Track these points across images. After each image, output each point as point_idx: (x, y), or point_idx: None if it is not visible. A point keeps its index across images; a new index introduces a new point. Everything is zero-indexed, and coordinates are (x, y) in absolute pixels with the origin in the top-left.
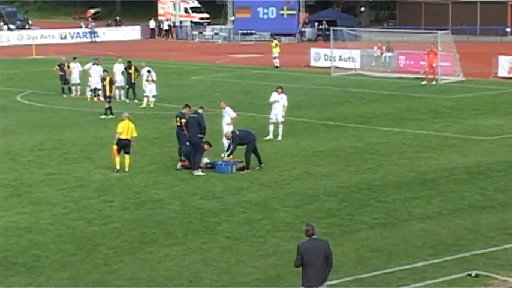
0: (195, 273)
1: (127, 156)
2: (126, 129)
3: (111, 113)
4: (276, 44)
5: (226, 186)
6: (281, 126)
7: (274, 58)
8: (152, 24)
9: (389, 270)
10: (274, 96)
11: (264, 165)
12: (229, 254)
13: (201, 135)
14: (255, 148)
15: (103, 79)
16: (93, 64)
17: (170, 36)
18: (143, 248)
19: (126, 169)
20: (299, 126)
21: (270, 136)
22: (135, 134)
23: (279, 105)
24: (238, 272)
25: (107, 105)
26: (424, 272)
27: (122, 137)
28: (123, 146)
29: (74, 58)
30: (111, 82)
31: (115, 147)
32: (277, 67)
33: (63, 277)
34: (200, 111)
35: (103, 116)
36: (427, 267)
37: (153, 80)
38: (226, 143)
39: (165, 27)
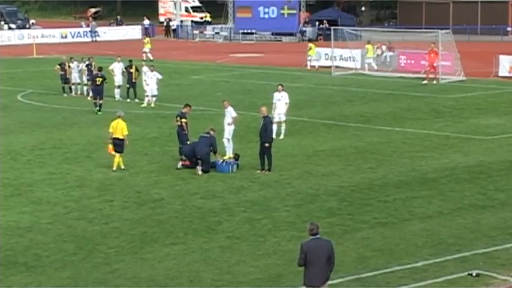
0: (196, 273)
1: (117, 155)
2: (115, 127)
3: (96, 109)
4: (148, 41)
5: (227, 186)
6: (284, 125)
7: (145, 53)
8: (147, 22)
9: (390, 269)
10: (276, 96)
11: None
12: (230, 254)
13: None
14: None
15: (95, 76)
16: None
17: (169, 35)
18: (144, 248)
19: (114, 168)
20: (300, 126)
21: (273, 135)
22: (125, 133)
23: (280, 103)
24: (238, 272)
25: (95, 101)
26: (424, 272)
27: (114, 136)
28: (115, 145)
29: (71, 58)
30: (102, 82)
31: (110, 146)
32: (151, 60)
33: (64, 276)
34: (212, 132)
35: (100, 113)
36: (427, 266)
37: (158, 79)
38: (226, 143)
39: (174, 26)
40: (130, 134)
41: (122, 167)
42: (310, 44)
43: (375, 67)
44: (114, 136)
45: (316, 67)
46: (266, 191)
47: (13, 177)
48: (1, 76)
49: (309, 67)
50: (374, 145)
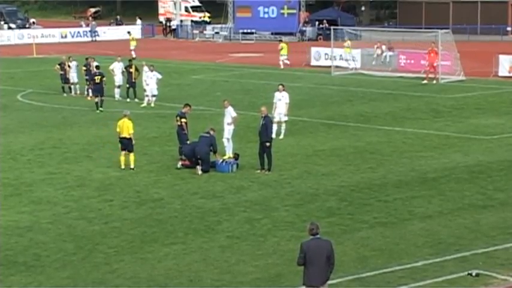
0: (196, 273)
1: (131, 154)
2: (121, 127)
3: (98, 108)
4: (133, 38)
5: (227, 186)
6: (284, 125)
7: (132, 50)
8: (139, 23)
9: (389, 269)
10: (276, 96)
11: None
12: (230, 253)
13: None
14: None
15: (94, 75)
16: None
17: (168, 34)
18: (144, 247)
19: (132, 166)
20: (299, 126)
21: (273, 135)
22: (131, 131)
23: (281, 103)
24: (238, 271)
25: (96, 100)
26: (424, 271)
27: (121, 135)
28: (124, 144)
29: (69, 57)
30: (101, 79)
31: (120, 145)
32: (133, 58)
33: (64, 276)
34: (212, 132)
35: (101, 108)
36: (427, 266)
37: (157, 78)
38: (226, 142)
39: (173, 26)
40: None
41: (122, 166)
42: (281, 44)
43: (347, 65)
44: (121, 136)
45: (282, 66)
46: (266, 191)
47: (13, 177)
48: (1, 76)
49: (282, 66)
50: (374, 145)
